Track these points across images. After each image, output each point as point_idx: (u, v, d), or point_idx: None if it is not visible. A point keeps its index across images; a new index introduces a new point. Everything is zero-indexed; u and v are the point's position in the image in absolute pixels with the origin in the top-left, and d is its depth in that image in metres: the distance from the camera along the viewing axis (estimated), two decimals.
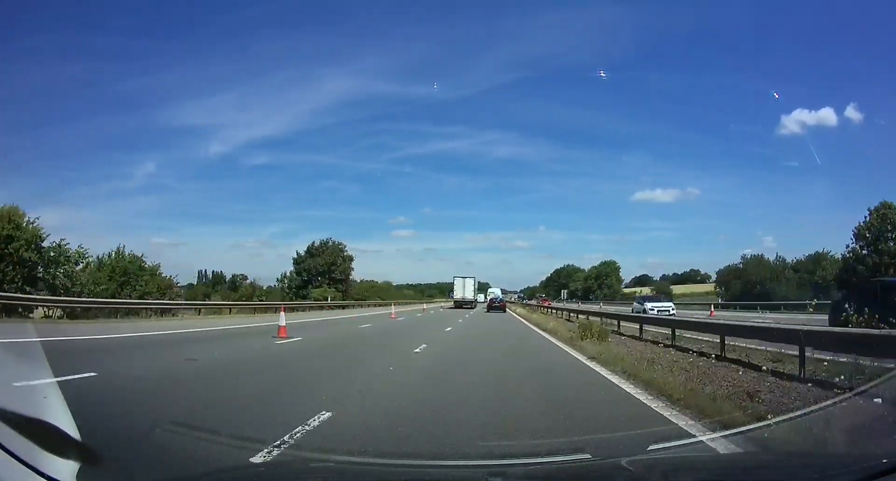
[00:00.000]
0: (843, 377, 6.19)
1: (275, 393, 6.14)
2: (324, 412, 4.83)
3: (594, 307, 41.01)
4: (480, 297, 60.37)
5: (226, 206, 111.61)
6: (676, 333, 12.73)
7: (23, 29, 70.81)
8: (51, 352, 6.06)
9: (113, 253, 25.59)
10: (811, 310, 14.73)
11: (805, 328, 7.84)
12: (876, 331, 6.73)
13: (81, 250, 22.47)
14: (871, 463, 2.09)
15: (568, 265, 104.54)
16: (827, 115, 69.42)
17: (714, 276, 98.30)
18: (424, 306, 52.70)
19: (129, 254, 25.75)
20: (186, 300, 32.87)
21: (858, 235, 39.91)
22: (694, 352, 9.87)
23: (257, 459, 3.45)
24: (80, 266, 22.42)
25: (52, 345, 9.05)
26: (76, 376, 5.90)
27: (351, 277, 62.11)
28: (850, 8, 62.59)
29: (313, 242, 61.50)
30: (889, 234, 38.53)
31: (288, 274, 59.80)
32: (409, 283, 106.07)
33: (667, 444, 3.84)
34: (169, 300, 25.52)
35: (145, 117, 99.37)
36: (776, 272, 49.23)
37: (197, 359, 8.89)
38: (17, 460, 1.60)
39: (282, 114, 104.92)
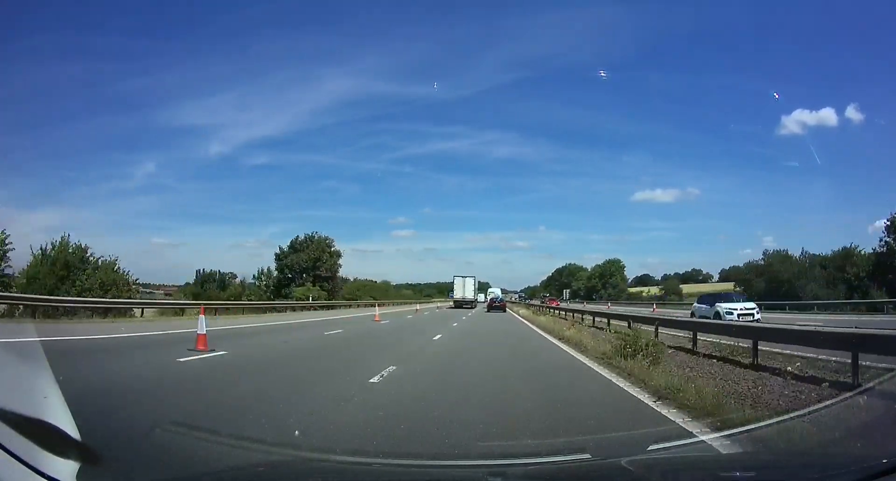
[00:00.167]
0: None
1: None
2: None
3: (602, 307, 39.14)
4: (481, 297, 60.25)
5: (226, 206, 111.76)
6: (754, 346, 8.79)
7: (23, 29, 70.93)
8: None
9: (58, 242, 22.47)
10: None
11: None
12: None
13: (2, 236, 20.41)
14: (871, 463, 2.09)
15: (570, 264, 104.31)
16: (827, 115, 69.51)
17: (716, 276, 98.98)
18: (417, 306, 48.60)
19: (73, 245, 22.68)
20: (175, 300, 32.78)
21: (892, 227, 37.25)
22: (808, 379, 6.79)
23: None
24: None
25: None
26: None
27: (338, 275, 57.59)
28: (850, 8, 62.61)
29: (297, 237, 56.14)
30: None
31: (265, 270, 54.57)
32: (409, 283, 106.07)
33: (667, 444, 3.84)
34: (128, 299, 22.53)
35: (145, 117, 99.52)
36: (804, 269, 44.90)
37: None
38: (17, 460, 1.60)
39: (282, 114, 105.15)
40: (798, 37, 71.93)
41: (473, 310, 43.04)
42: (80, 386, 5.31)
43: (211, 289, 46.94)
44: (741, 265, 58.95)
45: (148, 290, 69.12)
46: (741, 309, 19.84)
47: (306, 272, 53.16)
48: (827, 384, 6.26)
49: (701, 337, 11.53)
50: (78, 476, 1.77)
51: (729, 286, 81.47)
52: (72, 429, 1.97)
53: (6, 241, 20.68)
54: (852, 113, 68.83)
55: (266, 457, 3.54)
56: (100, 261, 23.50)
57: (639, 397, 6.12)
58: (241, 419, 4.66)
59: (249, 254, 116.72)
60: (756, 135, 77.99)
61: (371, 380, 6.91)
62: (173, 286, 65.75)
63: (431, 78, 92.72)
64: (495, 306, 43.84)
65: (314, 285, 50.91)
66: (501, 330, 20.63)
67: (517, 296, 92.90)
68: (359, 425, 4.58)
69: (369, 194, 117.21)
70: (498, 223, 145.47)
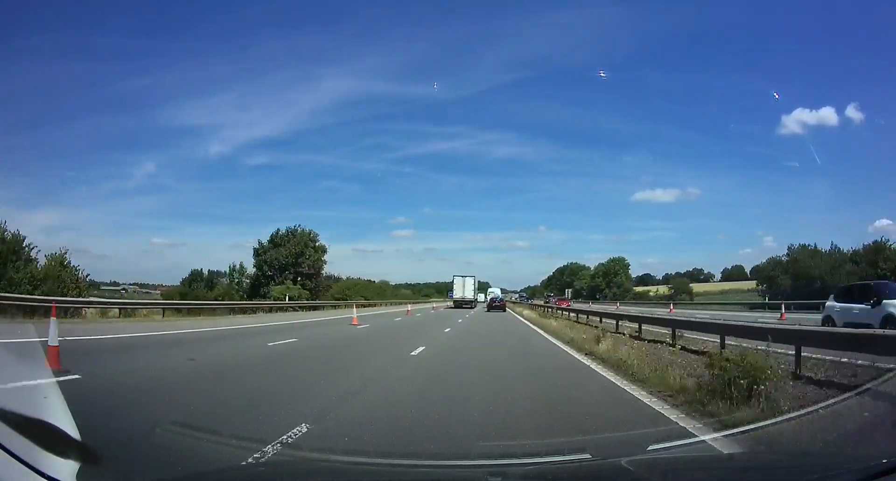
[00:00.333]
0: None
1: None
2: None
3: (609, 307, 36.52)
4: (481, 297, 60.09)
5: (226, 206, 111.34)
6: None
7: (23, 29, 70.97)
8: None
9: None
10: None
11: None
12: None
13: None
14: (871, 463, 2.09)
15: (571, 263, 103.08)
16: (828, 115, 69.31)
17: (718, 275, 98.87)
18: (409, 307, 41.83)
19: (11, 234, 20.47)
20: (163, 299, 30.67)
21: None
22: None
23: None
24: None
25: None
26: None
27: (323, 272, 52.63)
28: (850, 8, 62.58)
29: (278, 230, 50.94)
30: None
31: (238, 266, 49.45)
32: (409, 283, 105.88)
33: (667, 444, 3.84)
34: (75, 297, 20.17)
35: (145, 117, 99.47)
36: (834, 265, 41.43)
37: None
38: (17, 460, 1.60)
39: (282, 114, 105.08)
40: (798, 37, 71.97)
41: (473, 310, 43.02)
42: None
43: (198, 289, 42.30)
44: (764, 261, 53.78)
45: (121, 288, 67.83)
46: None
47: (287, 269, 48.36)
48: None
49: (811, 353, 7.65)
50: (78, 476, 1.77)
51: (731, 285, 79.72)
52: (72, 429, 1.97)
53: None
54: (853, 112, 68.70)
55: (266, 457, 3.53)
56: (35, 253, 21.10)
57: None
58: None
59: (250, 253, 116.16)
60: (756, 135, 77.80)
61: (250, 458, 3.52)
62: (171, 286, 65.09)
63: (431, 78, 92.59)
64: (495, 306, 44.95)
65: (295, 283, 46.70)
66: (507, 341, 14.86)
67: (517, 295, 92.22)
68: None
69: (369, 194, 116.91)
70: (498, 223, 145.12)
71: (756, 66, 69.91)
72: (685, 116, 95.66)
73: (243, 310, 30.36)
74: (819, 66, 74.05)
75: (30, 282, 19.37)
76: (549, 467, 3.04)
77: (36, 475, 1.61)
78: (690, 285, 77.54)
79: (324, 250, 51.78)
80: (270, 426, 4.40)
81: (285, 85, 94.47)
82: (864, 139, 67.12)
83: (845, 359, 6.87)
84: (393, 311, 38.03)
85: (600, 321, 19.63)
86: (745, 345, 6.42)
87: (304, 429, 4.36)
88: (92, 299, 21.79)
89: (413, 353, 10.77)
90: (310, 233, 50.89)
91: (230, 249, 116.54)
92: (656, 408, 5.57)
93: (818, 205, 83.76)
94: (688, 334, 11.70)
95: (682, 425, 4.68)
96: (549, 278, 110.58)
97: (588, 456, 3.35)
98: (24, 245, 20.87)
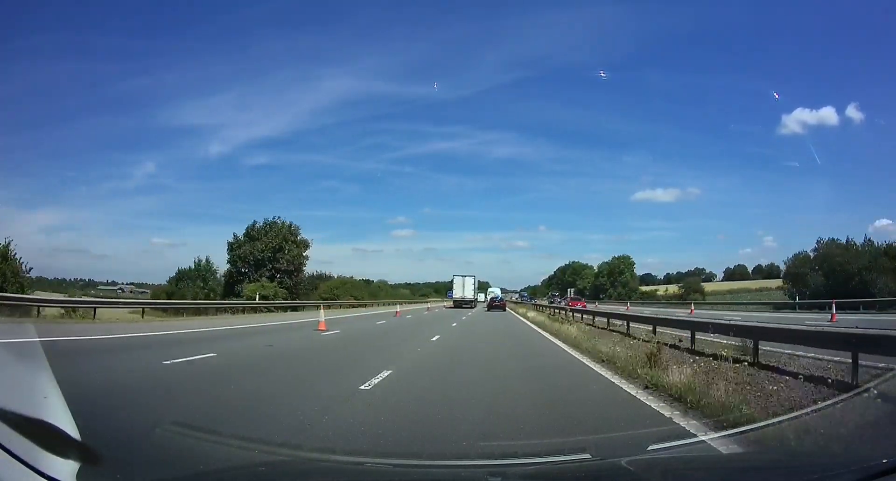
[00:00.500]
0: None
1: None
2: None
3: (618, 308, 33.40)
4: (481, 297, 59.89)
5: (225, 206, 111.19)
6: None
7: (23, 28, 71.01)
8: None
9: None
10: None
11: None
12: None
13: None
14: (871, 463, 2.09)
15: (573, 262, 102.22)
16: (828, 115, 69.38)
17: (720, 275, 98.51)
18: (399, 308, 36.97)
19: None
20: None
21: None
22: None
23: None
24: None
25: None
26: None
27: (304, 269, 47.95)
28: (850, 8, 62.57)
29: (254, 222, 46.00)
30: None
31: (204, 261, 44.19)
32: (408, 283, 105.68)
33: (667, 444, 3.83)
34: (15, 292, 18.58)
35: (145, 117, 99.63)
36: (869, 260, 37.90)
37: None
38: (17, 460, 1.60)
39: (282, 114, 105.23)
40: (798, 37, 72.02)
41: (473, 311, 42.90)
42: None
43: (185, 287, 40.30)
44: (792, 258, 47.43)
45: (118, 288, 65.93)
46: None
47: (263, 265, 43.81)
48: None
49: None
50: (78, 476, 1.77)
51: (734, 285, 77.94)
52: (72, 429, 1.97)
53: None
54: (853, 112, 68.80)
55: (267, 457, 3.53)
56: None
57: None
58: None
59: None
60: (756, 135, 78.05)
61: None
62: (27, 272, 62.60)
63: (431, 78, 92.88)
64: (495, 305, 46.04)
65: (272, 281, 42.43)
66: (518, 368, 9.41)
67: (517, 295, 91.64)
68: None
69: (369, 194, 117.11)
70: (498, 223, 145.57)
71: (756, 66, 70.14)
72: (685, 116, 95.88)
73: (218, 310, 27.31)
74: (819, 66, 74.29)
75: None
76: (550, 467, 3.04)
77: (36, 475, 1.61)
78: (703, 285, 73.73)
79: (306, 245, 47.04)
80: None
81: (285, 85, 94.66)
82: (865, 139, 67.30)
83: None
84: (381, 313, 34.04)
85: (627, 328, 15.58)
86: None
87: None
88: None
89: (364, 386, 6.54)
90: (290, 226, 46.25)
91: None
92: None
93: (818, 205, 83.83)
94: (767, 347, 8.73)
95: (682, 425, 4.68)
96: (551, 277, 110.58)
97: (588, 456, 3.35)
98: None
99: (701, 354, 8.95)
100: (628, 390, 6.67)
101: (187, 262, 46.22)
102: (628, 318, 17.38)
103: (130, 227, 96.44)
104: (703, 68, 72.01)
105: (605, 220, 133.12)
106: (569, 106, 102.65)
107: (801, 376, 6.45)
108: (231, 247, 45.05)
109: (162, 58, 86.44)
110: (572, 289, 74.65)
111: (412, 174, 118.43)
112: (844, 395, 5.12)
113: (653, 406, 5.67)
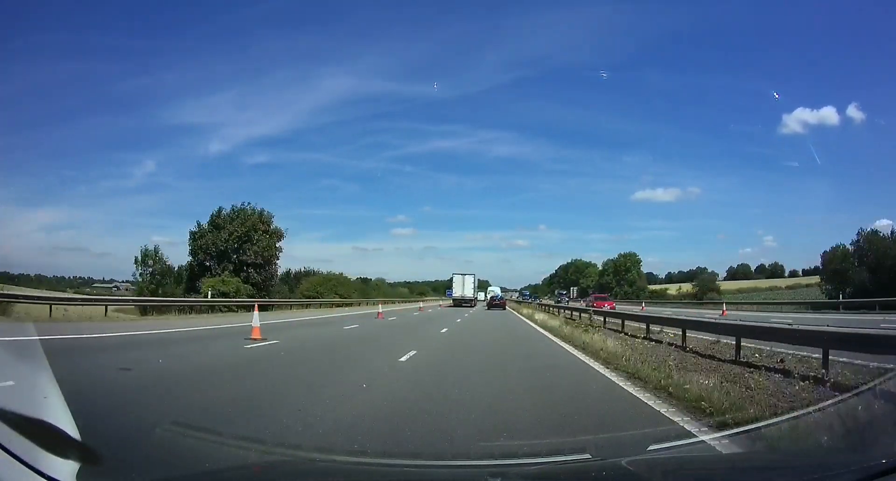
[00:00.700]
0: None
1: None
2: None
3: (635, 309, 30.22)
4: (480, 296, 59.66)
5: (226, 205, 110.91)
6: None
7: (23, 28, 70.77)
8: None
9: None
10: None
11: None
12: None
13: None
14: (871, 463, 2.09)
15: (576, 260, 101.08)
16: (828, 114, 69.30)
17: (722, 274, 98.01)
18: (381, 309, 26.84)
19: None
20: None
21: None
22: None
23: None
24: None
25: None
26: None
27: (277, 262, 41.43)
28: (850, 8, 62.55)
29: (220, 208, 39.46)
30: None
31: (151, 251, 37.31)
32: (408, 281, 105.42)
33: (667, 444, 3.83)
34: None
35: (145, 116, 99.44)
36: None
37: None
38: (17, 460, 1.60)
39: (281, 113, 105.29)
40: (798, 37, 71.98)
41: (472, 310, 42.65)
42: None
43: (167, 285, 36.80)
44: (828, 250, 43.23)
45: (113, 286, 65.68)
46: None
47: (225, 256, 37.58)
48: None
49: None
50: (78, 476, 1.77)
51: (742, 284, 75.90)
52: (72, 429, 1.97)
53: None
54: (853, 112, 68.68)
55: (266, 457, 3.53)
56: None
57: None
58: None
59: None
60: (756, 135, 78.00)
61: None
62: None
63: (431, 77, 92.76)
64: (495, 304, 46.60)
65: (237, 275, 36.39)
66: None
67: (517, 294, 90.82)
68: None
69: (369, 193, 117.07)
70: (498, 222, 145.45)
71: (756, 66, 70.14)
72: (685, 116, 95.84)
73: (181, 309, 24.45)
74: (819, 66, 74.16)
75: None
76: (550, 467, 3.04)
77: (36, 475, 1.61)
78: (718, 283, 69.94)
79: (279, 235, 40.34)
80: None
81: (285, 84, 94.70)
82: (865, 139, 67.24)
83: None
84: (362, 313, 29.91)
85: (684, 336, 11.52)
86: None
87: None
88: None
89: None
90: (261, 213, 39.50)
91: None
92: None
93: (818, 204, 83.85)
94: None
95: (682, 425, 4.68)
96: (552, 276, 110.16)
97: (588, 456, 3.34)
98: None
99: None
100: None
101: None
102: (684, 325, 12.13)
103: (130, 226, 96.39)
104: (703, 68, 72.10)
105: (605, 220, 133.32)
106: (569, 106, 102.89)
107: None
108: (193, 237, 38.60)
109: (162, 57, 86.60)
110: (575, 288, 73.92)
111: (412, 173, 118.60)
112: (844, 395, 5.12)
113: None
